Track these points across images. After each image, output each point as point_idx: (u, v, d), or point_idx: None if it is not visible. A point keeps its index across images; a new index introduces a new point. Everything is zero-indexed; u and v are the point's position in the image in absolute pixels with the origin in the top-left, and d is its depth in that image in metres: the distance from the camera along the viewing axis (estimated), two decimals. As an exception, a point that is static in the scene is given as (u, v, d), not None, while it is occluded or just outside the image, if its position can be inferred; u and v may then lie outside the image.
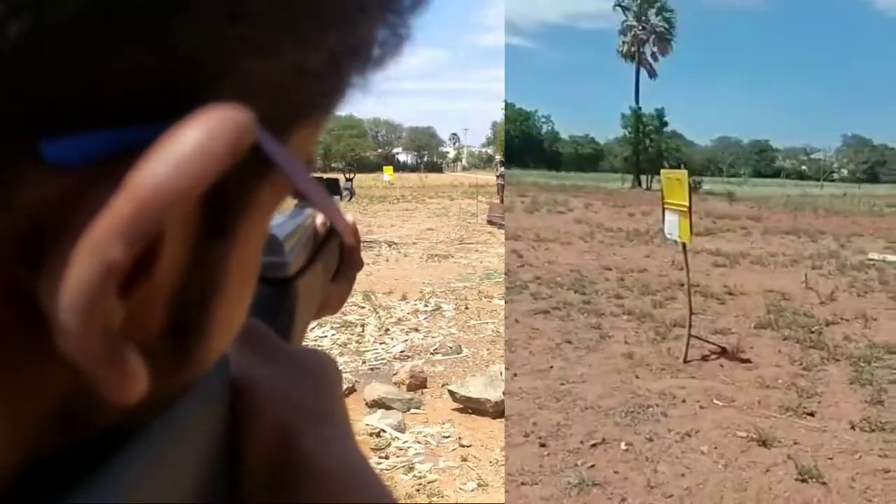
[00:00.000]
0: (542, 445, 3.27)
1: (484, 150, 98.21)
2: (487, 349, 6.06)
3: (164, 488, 0.23)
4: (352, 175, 20.86)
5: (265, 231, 0.25)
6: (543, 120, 77.65)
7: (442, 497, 3.58)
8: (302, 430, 0.30)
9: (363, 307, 7.37)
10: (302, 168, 0.22)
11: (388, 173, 26.37)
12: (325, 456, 0.30)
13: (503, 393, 3.91)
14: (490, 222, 16.54)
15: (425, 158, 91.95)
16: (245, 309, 0.26)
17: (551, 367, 4.36)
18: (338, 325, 6.65)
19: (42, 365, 0.18)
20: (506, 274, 7.39)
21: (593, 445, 3.28)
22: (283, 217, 0.61)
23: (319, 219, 0.71)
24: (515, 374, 4.21)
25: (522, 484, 2.94)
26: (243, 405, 0.29)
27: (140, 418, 0.22)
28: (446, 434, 4.29)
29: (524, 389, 3.94)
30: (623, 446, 3.27)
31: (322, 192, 0.23)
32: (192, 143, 0.16)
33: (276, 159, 0.19)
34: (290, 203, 0.68)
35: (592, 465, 3.09)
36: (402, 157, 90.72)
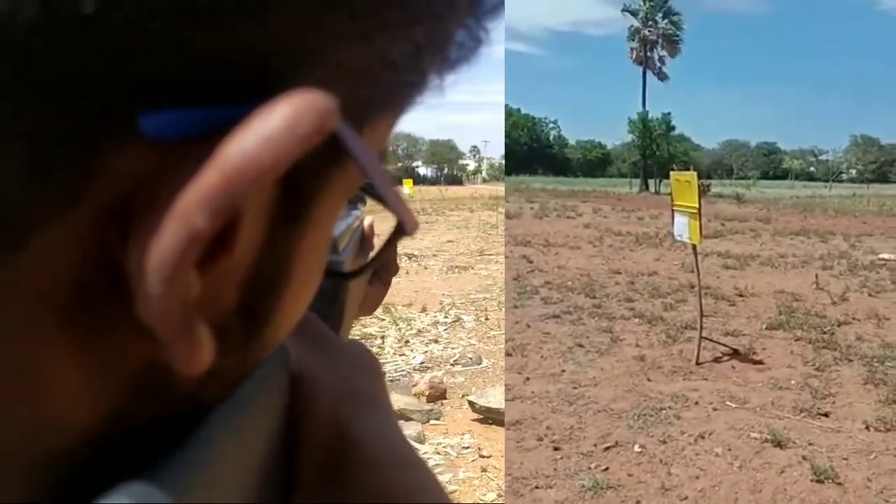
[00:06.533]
0: (556, 449, 3.27)
1: (504, 162, 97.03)
2: (507, 360, 6.03)
3: (238, 460, 0.24)
4: None
5: (334, 221, 0.26)
6: (551, 125, 77.59)
7: (461, 508, 3.55)
8: (355, 418, 0.32)
9: (383, 319, 7.31)
10: (375, 159, 0.22)
11: (407, 186, 26.45)
12: (375, 443, 0.31)
13: (508, 398, 3.90)
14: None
15: (445, 171, 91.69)
16: (310, 296, 0.27)
17: (563, 370, 4.34)
18: (358, 337, 6.57)
19: (124, 334, 0.19)
20: (515, 279, 7.37)
21: (607, 448, 3.27)
22: None
23: (367, 221, 0.73)
24: (528, 378, 4.20)
25: (537, 487, 2.94)
26: (301, 393, 0.31)
27: (215, 394, 0.23)
28: (466, 445, 4.26)
29: (537, 393, 3.94)
30: (637, 449, 3.26)
31: (391, 186, 0.23)
32: (280, 122, 0.16)
33: (351, 148, 0.19)
34: None
35: (606, 468, 3.08)
36: (422, 171, 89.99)
